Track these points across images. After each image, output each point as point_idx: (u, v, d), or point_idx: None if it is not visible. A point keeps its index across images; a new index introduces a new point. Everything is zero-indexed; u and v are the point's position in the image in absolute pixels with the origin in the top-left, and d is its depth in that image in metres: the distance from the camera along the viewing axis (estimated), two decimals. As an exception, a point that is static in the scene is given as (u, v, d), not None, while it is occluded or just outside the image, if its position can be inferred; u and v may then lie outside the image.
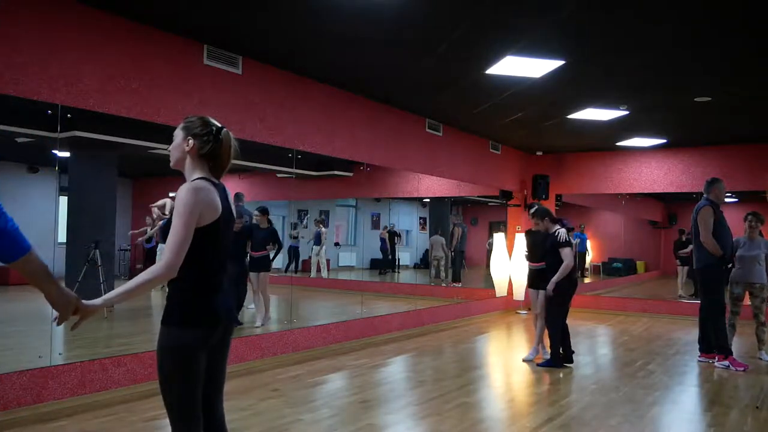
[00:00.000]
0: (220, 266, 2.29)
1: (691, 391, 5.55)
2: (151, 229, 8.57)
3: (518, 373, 6.14)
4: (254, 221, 7.51)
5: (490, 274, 11.63)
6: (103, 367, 4.69)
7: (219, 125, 2.31)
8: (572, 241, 6.45)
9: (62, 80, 4.45)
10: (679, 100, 7.20)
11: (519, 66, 5.87)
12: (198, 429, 2.24)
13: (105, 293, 2.07)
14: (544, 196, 10.96)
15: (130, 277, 2.10)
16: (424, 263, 15.11)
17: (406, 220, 15.90)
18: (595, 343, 8.09)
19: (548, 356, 6.31)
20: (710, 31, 4.92)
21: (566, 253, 6.06)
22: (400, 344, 7.45)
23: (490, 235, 13.85)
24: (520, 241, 11.03)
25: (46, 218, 5.44)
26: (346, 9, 4.62)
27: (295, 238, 12.68)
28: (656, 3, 4.42)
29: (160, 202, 2.48)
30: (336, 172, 9.75)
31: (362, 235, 14.56)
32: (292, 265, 12.63)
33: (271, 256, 7.67)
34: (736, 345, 6.66)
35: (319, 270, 12.47)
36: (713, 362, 6.32)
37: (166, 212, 2.41)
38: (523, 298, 10.99)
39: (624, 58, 5.69)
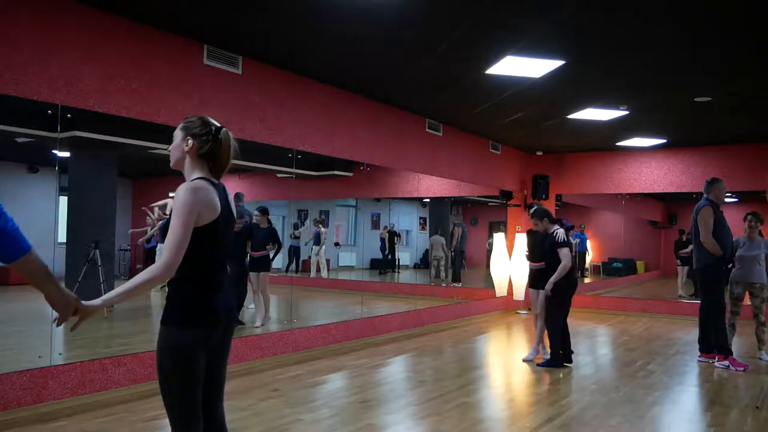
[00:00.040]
0: (219, 266, 2.29)
1: (691, 391, 5.55)
2: (152, 230, 8.57)
3: (518, 373, 6.14)
4: (254, 221, 7.53)
5: (490, 274, 11.63)
6: (103, 367, 4.69)
7: (218, 125, 2.31)
8: (571, 241, 6.46)
9: (62, 80, 4.45)
10: (679, 100, 7.20)
11: (519, 66, 5.87)
12: (198, 429, 2.24)
13: (105, 293, 2.07)
14: (544, 196, 10.96)
15: (130, 277, 2.10)
16: (424, 263, 15.11)
17: (406, 220, 15.90)
18: (595, 343, 8.09)
19: (548, 356, 6.31)
20: (710, 31, 4.92)
21: (564, 253, 6.06)
22: (400, 344, 7.45)
23: (490, 235, 13.86)
24: (521, 241, 11.04)
25: (46, 218, 5.43)
26: (346, 9, 4.62)
27: (297, 237, 12.67)
28: (656, 3, 4.42)
29: (161, 202, 2.49)
30: (336, 172, 9.75)
31: (362, 235, 14.56)
32: (293, 265, 12.63)
33: (271, 256, 7.68)
34: (736, 345, 6.66)
35: (318, 270, 12.47)
36: (713, 362, 6.32)
37: (167, 212, 2.42)
38: (523, 298, 10.99)
39: (624, 58, 5.69)
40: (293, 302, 8.67)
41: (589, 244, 15.25)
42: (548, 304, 6.24)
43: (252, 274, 7.49)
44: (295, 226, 12.82)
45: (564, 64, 5.79)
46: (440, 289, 12.27)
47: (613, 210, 14.45)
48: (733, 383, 5.62)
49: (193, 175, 2.27)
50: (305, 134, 6.59)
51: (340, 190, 11.79)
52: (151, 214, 7.85)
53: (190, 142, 2.27)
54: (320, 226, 12.50)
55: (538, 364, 6.26)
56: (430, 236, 13.84)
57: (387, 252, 14.07)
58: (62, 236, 6.44)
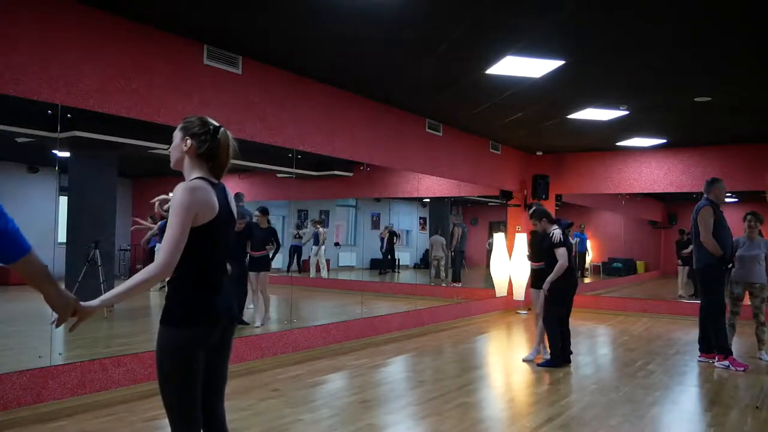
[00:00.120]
0: (219, 266, 2.29)
1: (691, 391, 5.55)
2: (151, 231, 8.57)
3: (518, 373, 6.14)
4: (254, 221, 7.54)
5: (490, 274, 11.63)
6: (103, 367, 4.69)
7: (217, 124, 2.32)
8: (570, 241, 6.46)
9: (62, 80, 4.45)
10: (679, 100, 7.20)
11: (519, 66, 5.87)
12: (197, 429, 2.24)
13: (105, 293, 2.07)
14: (544, 196, 10.96)
15: (130, 277, 2.10)
16: (424, 263, 15.11)
17: (406, 220, 15.89)
18: (595, 343, 8.09)
19: (549, 356, 6.31)
20: (710, 31, 4.92)
21: (560, 254, 6.07)
22: (400, 344, 7.45)
23: (490, 235, 13.85)
24: (520, 241, 11.04)
25: (46, 218, 5.43)
26: (346, 9, 4.62)
27: (299, 237, 12.69)
28: (656, 3, 4.42)
29: (161, 197, 2.49)
30: (336, 172, 9.75)
31: (362, 235, 14.56)
32: (294, 265, 12.64)
33: (270, 256, 7.69)
34: (736, 345, 6.66)
35: (318, 270, 12.47)
36: (713, 362, 6.32)
37: (165, 208, 2.42)
38: (523, 298, 11.00)
39: (624, 58, 5.69)
40: (293, 302, 8.67)
41: (589, 244, 15.24)
42: (546, 304, 6.24)
43: (251, 274, 7.50)
44: (298, 226, 12.83)
45: (564, 64, 5.79)
46: (440, 289, 12.26)
47: (613, 210, 14.45)
48: (733, 383, 5.62)
49: (192, 175, 2.27)
50: (305, 134, 6.59)
51: (340, 190, 11.79)
52: (143, 221, 7.92)
53: (189, 142, 2.27)
54: (319, 226, 12.51)
55: (538, 364, 6.26)
56: (430, 236, 13.83)
57: (387, 252, 14.06)
58: (62, 236, 6.43)
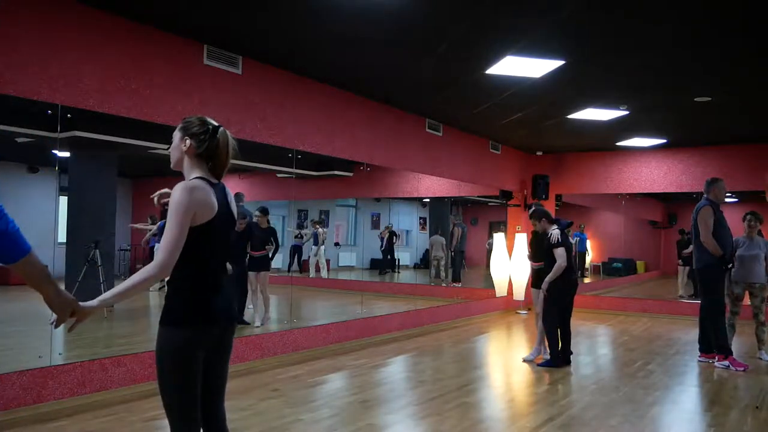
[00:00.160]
0: (218, 265, 2.29)
1: (691, 391, 5.55)
2: (150, 232, 8.58)
3: (518, 373, 6.14)
4: (254, 221, 7.55)
5: (490, 274, 11.63)
6: (103, 367, 4.69)
7: (216, 124, 2.32)
8: (570, 240, 6.45)
9: (62, 80, 4.45)
10: (679, 100, 7.20)
11: (519, 66, 5.87)
12: (197, 429, 2.24)
13: (103, 293, 2.07)
14: (544, 196, 10.96)
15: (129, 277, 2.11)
16: (424, 263, 15.11)
17: (406, 220, 15.89)
18: (595, 343, 8.09)
19: (549, 356, 6.31)
20: (710, 31, 4.92)
21: (559, 254, 6.07)
22: (400, 344, 7.45)
23: (490, 235, 13.84)
24: (521, 241, 11.04)
25: (46, 218, 5.43)
26: (346, 9, 4.62)
27: (300, 237, 12.70)
28: (656, 3, 4.42)
29: (163, 191, 2.47)
30: (336, 172, 9.75)
31: (362, 235, 14.55)
32: (294, 265, 12.66)
33: (270, 256, 7.70)
34: (736, 345, 6.66)
35: (318, 270, 12.47)
36: (713, 362, 6.32)
37: (165, 201, 2.41)
38: (523, 298, 11.00)
39: (624, 58, 5.69)
40: (293, 302, 8.67)
41: (589, 244, 15.24)
42: (545, 304, 6.24)
43: (251, 274, 7.51)
44: (299, 226, 12.84)
45: (564, 64, 5.79)
46: (440, 289, 12.26)
47: (613, 210, 14.44)
48: (733, 383, 5.62)
49: (192, 174, 2.27)
50: (305, 134, 6.59)
51: (340, 190, 11.79)
52: (139, 226, 7.94)
53: (188, 141, 2.27)
54: (318, 226, 12.52)
55: (538, 364, 6.26)
56: (430, 236, 13.83)
57: (387, 252, 14.05)
58: (62, 236, 6.43)
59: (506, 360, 7.08)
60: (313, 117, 6.68)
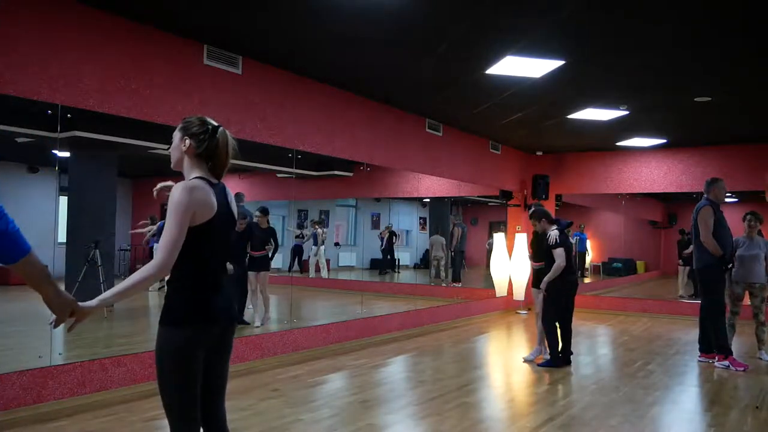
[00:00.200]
0: (218, 265, 2.29)
1: (691, 391, 5.55)
2: (150, 231, 8.59)
3: (518, 373, 6.14)
4: (254, 221, 7.55)
5: (490, 274, 11.63)
6: (103, 367, 4.69)
7: (215, 124, 2.32)
8: (570, 240, 6.45)
9: (62, 80, 4.45)
10: (679, 100, 7.20)
11: (519, 66, 5.87)
12: (197, 429, 2.24)
13: (102, 293, 2.07)
14: (544, 196, 10.96)
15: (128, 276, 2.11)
16: (424, 263, 15.11)
17: (406, 220, 15.89)
18: (595, 343, 8.09)
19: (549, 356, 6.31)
20: (710, 31, 4.92)
21: (557, 254, 6.07)
22: (400, 344, 7.45)
23: (490, 235, 13.84)
24: (520, 241, 11.05)
25: (46, 218, 5.43)
26: (346, 9, 4.62)
27: (300, 237, 12.72)
28: (656, 3, 4.42)
29: (167, 183, 2.47)
30: (336, 172, 9.75)
31: (362, 235, 14.55)
32: (295, 265, 12.68)
33: (269, 256, 7.71)
34: (736, 345, 6.66)
35: (318, 270, 12.48)
36: (713, 362, 6.32)
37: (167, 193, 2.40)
38: (522, 298, 11.00)
39: (624, 58, 5.69)
40: (293, 302, 8.67)
41: (589, 244, 15.24)
42: (543, 304, 6.25)
43: (251, 274, 7.51)
44: (300, 226, 12.86)
45: (564, 64, 5.79)
46: (440, 289, 12.26)
47: (613, 210, 14.45)
48: (733, 383, 5.62)
49: (192, 174, 2.27)
50: (305, 134, 6.59)
51: (340, 190, 11.79)
52: (140, 230, 7.97)
53: (188, 141, 2.27)
54: (317, 227, 12.54)
55: (538, 364, 6.26)
56: (430, 236, 13.83)
57: (387, 252, 14.05)
58: (62, 236, 6.43)
59: (506, 360, 7.08)
60: (313, 117, 6.68)
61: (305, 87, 6.59)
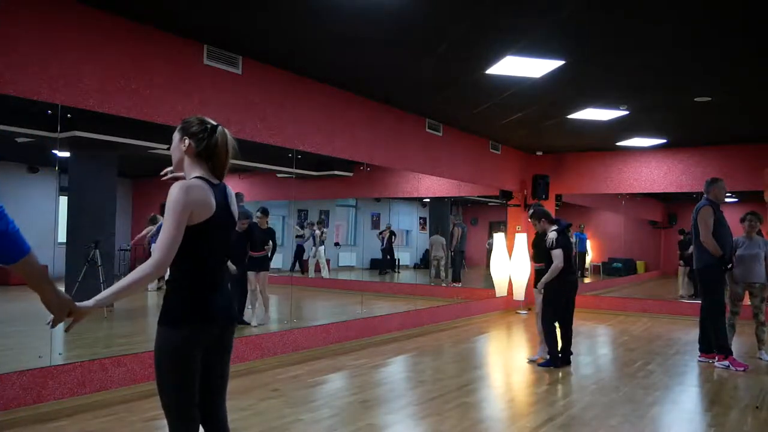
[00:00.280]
0: (216, 265, 2.29)
1: (691, 391, 5.55)
2: (151, 231, 8.59)
3: (518, 373, 6.14)
4: (254, 221, 7.56)
5: (490, 274, 11.63)
6: (103, 367, 4.69)
7: (214, 123, 2.32)
8: (570, 240, 6.44)
9: (62, 80, 4.45)
10: (679, 100, 7.20)
11: (519, 66, 5.87)
12: (195, 429, 2.24)
13: (100, 293, 2.07)
14: (543, 196, 10.96)
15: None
16: (424, 263, 15.11)
17: (406, 220, 15.89)
18: (595, 343, 8.09)
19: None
20: (710, 31, 4.92)
21: (555, 255, 6.08)
22: (400, 344, 7.45)
23: (490, 235, 13.84)
24: (520, 241, 11.05)
25: (46, 218, 5.43)
26: (346, 9, 4.62)
27: (301, 236, 12.74)
28: (656, 3, 4.42)
29: (173, 174, 2.45)
30: (336, 172, 9.75)
31: (362, 235, 14.56)
32: (297, 265, 12.70)
33: (269, 256, 7.73)
34: (736, 345, 6.66)
35: (319, 270, 12.49)
36: (713, 362, 6.32)
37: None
38: (522, 298, 11.01)
39: (624, 58, 5.69)
40: (293, 302, 8.67)
41: (589, 244, 15.24)
42: (543, 304, 6.26)
43: (251, 274, 7.52)
44: (301, 226, 12.88)
45: (564, 64, 5.79)
46: (440, 289, 12.26)
47: (613, 210, 14.45)
48: (733, 383, 5.62)
49: (192, 174, 2.28)
50: (305, 134, 6.59)
51: (340, 190, 11.79)
52: (140, 234, 8.03)
53: (187, 141, 2.28)
54: (315, 228, 12.56)
55: (538, 364, 6.26)
56: (430, 236, 13.83)
57: (387, 252, 14.05)
58: (62, 236, 6.43)
59: (506, 360, 7.08)
60: (313, 117, 6.68)
61: (305, 87, 6.59)
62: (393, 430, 4.23)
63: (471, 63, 5.94)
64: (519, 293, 11.06)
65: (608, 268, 15.65)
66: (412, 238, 16.20)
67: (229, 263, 6.63)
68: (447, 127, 9.04)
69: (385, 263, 14.16)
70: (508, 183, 11.03)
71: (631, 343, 7.84)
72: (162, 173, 2.49)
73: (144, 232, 8.73)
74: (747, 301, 6.64)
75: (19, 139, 6.65)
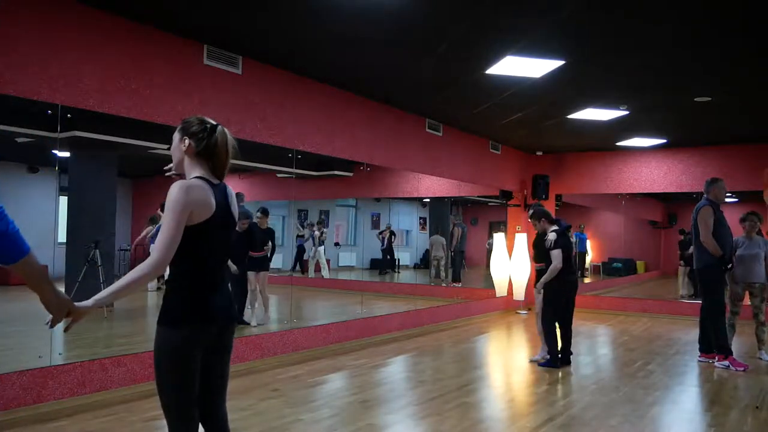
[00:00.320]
0: (216, 264, 2.29)
1: (691, 391, 5.55)
2: (151, 231, 8.60)
3: (518, 373, 6.14)
4: (254, 221, 7.57)
5: (490, 274, 11.63)
6: (103, 367, 4.69)
7: (214, 123, 2.32)
8: (570, 241, 6.44)
9: (62, 80, 4.45)
10: (679, 100, 7.20)
11: (519, 66, 5.87)
12: (195, 429, 2.24)
13: (98, 293, 2.07)
14: (543, 196, 10.96)
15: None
16: (424, 263, 15.11)
17: (406, 220, 15.89)
18: (595, 343, 8.09)
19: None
20: (710, 31, 4.92)
21: (554, 255, 6.08)
22: (400, 344, 7.45)
23: (490, 235, 13.84)
24: (521, 241, 11.05)
25: (46, 218, 5.43)
26: (346, 9, 4.62)
27: (301, 236, 12.75)
28: (656, 3, 4.42)
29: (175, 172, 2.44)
30: (336, 172, 9.75)
31: (362, 235, 14.56)
32: (298, 265, 12.72)
33: (268, 256, 7.74)
34: (736, 345, 6.66)
35: (319, 270, 12.50)
36: (713, 362, 6.32)
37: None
38: (523, 298, 11.01)
39: (624, 58, 5.69)
40: (293, 302, 8.67)
41: (589, 244, 15.24)
42: (543, 304, 6.26)
43: (251, 274, 7.52)
44: (301, 226, 12.89)
45: (564, 64, 5.79)
46: (440, 289, 12.26)
47: (613, 210, 14.45)
48: (733, 383, 5.62)
49: (192, 174, 2.27)
50: (305, 134, 6.59)
51: (340, 190, 11.79)
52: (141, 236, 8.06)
53: (187, 141, 2.28)
54: (315, 228, 12.58)
55: (539, 364, 6.26)
56: (430, 236, 13.83)
57: (387, 252, 14.05)
58: (62, 236, 6.44)
59: (506, 360, 7.08)
60: (313, 117, 6.68)
61: (305, 87, 6.59)
62: (393, 430, 4.23)
63: (471, 63, 5.94)
64: (519, 293, 11.06)
65: (608, 268, 15.65)
66: (412, 238, 16.20)
67: (230, 263, 6.67)
68: (447, 127, 9.04)
69: (385, 263, 14.16)
70: (508, 183, 11.03)
71: (631, 343, 7.84)
72: (166, 168, 2.49)
73: (144, 233, 8.73)
74: (747, 301, 6.64)
75: (19, 139, 6.65)
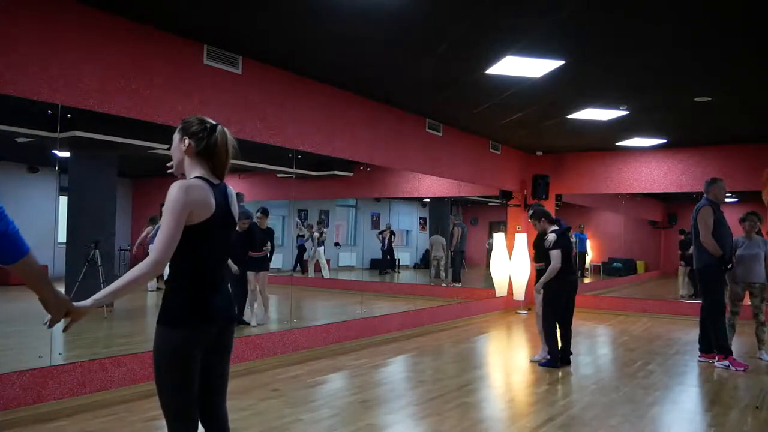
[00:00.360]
0: (216, 264, 2.29)
1: (691, 391, 5.55)
2: (152, 232, 8.60)
3: (518, 373, 6.14)
4: (254, 221, 7.57)
5: (490, 274, 11.63)
6: (103, 367, 4.69)
7: (214, 123, 2.32)
8: (570, 241, 6.44)
9: (62, 80, 4.45)
10: (679, 100, 7.19)
11: (519, 66, 5.87)
12: (194, 429, 2.24)
13: (97, 293, 2.06)
14: (544, 196, 10.96)
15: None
16: (424, 263, 15.11)
17: (406, 220, 15.89)
18: (595, 343, 8.09)
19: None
20: (710, 31, 4.92)
21: (553, 255, 6.09)
22: (400, 344, 7.45)
23: (490, 235, 13.84)
24: (521, 241, 11.05)
25: (46, 218, 5.44)
26: (346, 9, 4.62)
27: (302, 236, 12.77)
28: (656, 3, 4.42)
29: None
30: (336, 172, 9.75)
31: (362, 235, 14.56)
32: (299, 264, 12.73)
33: (268, 256, 7.74)
34: (736, 345, 6.66)
35: (318, 270, 12.50)
36: (713, 362, 6.32)
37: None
38: (523, 298, 11.01)
39: (624, 58, 5.69)
40: (293, 302, 8.67)
41: (589, 244, 15.23)
42: (543, 304, 6.26)
43: (250, 274, 7.52)
44: (305, 226, 12.92)
45: (564, 64, 5.79)
46: (440, 289, 12.26)
47: (613, 210, 14.45)
48: (733, 383, 5.62)
49: (192, 174, 2.27)
50: (305, 134, 6.59)
51: (340, 190, 11.79)
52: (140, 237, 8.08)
53: (187, 141, 2.28)
54: (314, 229, 12.60)
55: (539, 364, 6.26)
56: (430, 236, 13.83)
57: (387, 252, 14.05)
58: (62, 236, 6.44)
59: (506, 360, 7.08)
60: (313, 117, 6.68)
61: (305, 87, 6.59)
62: (393, 430, 4.23)
63: (471, 63, 5.94)
64: (519, 293, 11.06)
65: (608, 268, 15.64)
66: (412, 238, 16.20)
67: (231, 263, 6.67)
68: (447, 127, 9.04)
69: (385, 263, 14.16)
70: (508, 183, 11.03)
71: (631, 343, 7.84)
72: (169, 164, 2.48)
73: (144, 233, 8.74)
74: (747, 301, 6.64)
75: (19, 139, 6.65)
